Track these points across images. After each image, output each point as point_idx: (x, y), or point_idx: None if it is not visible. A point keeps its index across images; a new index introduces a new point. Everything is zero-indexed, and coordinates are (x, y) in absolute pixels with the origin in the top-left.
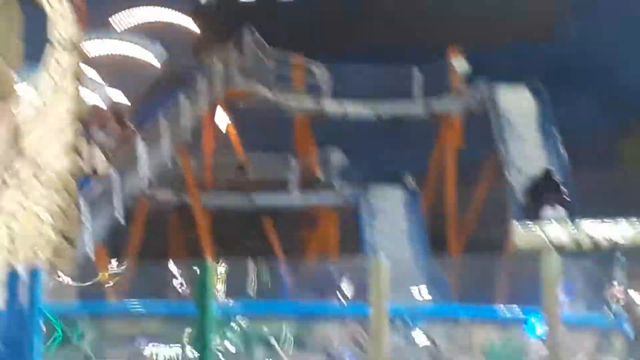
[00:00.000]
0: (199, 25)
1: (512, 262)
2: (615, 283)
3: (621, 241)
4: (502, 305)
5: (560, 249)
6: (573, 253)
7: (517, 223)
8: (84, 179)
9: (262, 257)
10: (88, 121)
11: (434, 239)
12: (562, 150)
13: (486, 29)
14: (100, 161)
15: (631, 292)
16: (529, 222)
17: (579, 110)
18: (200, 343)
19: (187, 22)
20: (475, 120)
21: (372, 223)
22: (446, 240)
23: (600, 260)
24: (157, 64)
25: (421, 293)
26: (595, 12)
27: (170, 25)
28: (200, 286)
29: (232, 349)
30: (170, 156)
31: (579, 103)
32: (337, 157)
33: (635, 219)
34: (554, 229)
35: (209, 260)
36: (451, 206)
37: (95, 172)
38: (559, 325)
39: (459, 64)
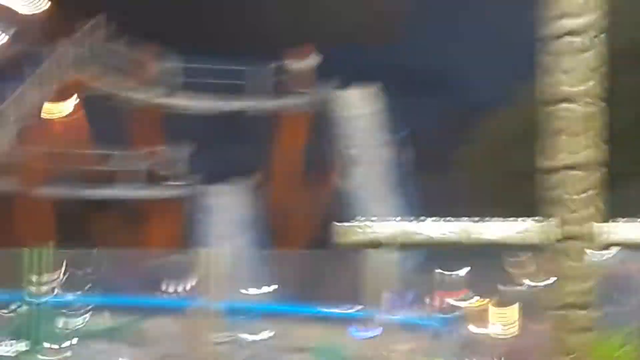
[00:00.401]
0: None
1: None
2: (438, 288)
3: (447, 237)
4: (330, 304)
5: (382, 246)
6: (399, 251)
7: (342, 221)
8: None
9: (94, 248)
10: None
11: (272, 235)
12: (403, 153)
13: (333, 29)
14: None
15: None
16: (356, 220)
17: (420, 115)
18: (31, 332)
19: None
20: (321, 119)
21: (209, 218)
22: (286, 236)
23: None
24: None
25: (253, 290)
26: (437, 17)
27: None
28: (30, 273)
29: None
30: (13, 141)
31: (420, 108)
32: (182, 151)
33: (467, 218)
34: (379, 226)
35: (43, 247)
36: (292, 203)
37: None
38: (381, 323)
39: (309, 61)
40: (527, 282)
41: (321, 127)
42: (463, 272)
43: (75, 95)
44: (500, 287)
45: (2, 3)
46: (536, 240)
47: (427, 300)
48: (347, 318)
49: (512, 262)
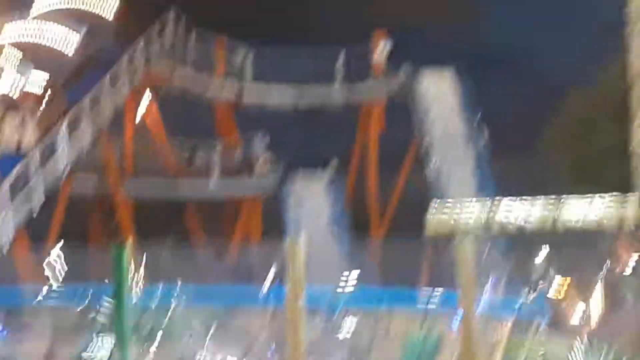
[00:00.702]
0: (121, 5)
1: (435, 246)
2: (539, 271)
3: (531, 220)
4: (424, 290)
5: (474, 231)
6: (491, 237)
7: (432, 206)
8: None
9: (185, 243)
10: (17, 100)
11: (357, 223)
12: (484, 135)
13: (409, 13)
14: (27, 136)
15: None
16: (445, 205)
17: (502, 95)
18: (118, 328)
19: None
20: (398, 105)
21: (295, 209)
22: (369, 224)
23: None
24: (72, 48)
25: (344, 278)
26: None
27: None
28: (116, 270)
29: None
30: (92, 141)
31: (502, 89)
32: (260, 143)
33: (550, 198)
34: (468, 211)
35: (126, 244)
36: (373, 190)
37: (19, 147)
38: (474, 309)
39: (383, 48)
40: (613, 262)
41: (400, 112)
42: (545, 253)
43: (151, 92)
44: (586, 268)
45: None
46: (617, 219)
47: (515, 283)
48: (438, 305)
49: (600, 243)
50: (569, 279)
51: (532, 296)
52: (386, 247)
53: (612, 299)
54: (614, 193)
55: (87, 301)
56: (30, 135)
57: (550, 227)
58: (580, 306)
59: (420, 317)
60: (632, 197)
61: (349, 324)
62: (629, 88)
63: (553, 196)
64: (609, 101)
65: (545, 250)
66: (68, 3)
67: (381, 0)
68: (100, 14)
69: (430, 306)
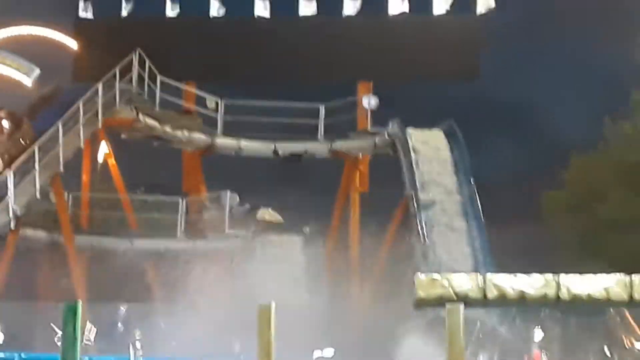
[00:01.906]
0: (79, 41)
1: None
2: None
3: (529, 291)
4: None
5: (465, 300)
6: (480, 305)
7: (421, 273)
8: None
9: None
10: None
11: (336, 288)
12: (477, 198)
13: (401, 67)
14: None
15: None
16: (434, 273)
17: (499, 155)
18: None
19: (65, 38)
20: (384, 163)
21: (266, 269)
22: (349, 290)
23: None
24: (29, 83)
25: (318, 347)
26: (518, 56)
27: (46, 41)
28: (67, 330)
29: None
30: (42, 189)
31: (498, 148)
32: (230, 198)
33: (550, 274)
34: (460, 279)
35: (78, 302)
36: (355, 252)
37: None
38: None
39: (369, 102)
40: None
41: (387, 170)
42: (542, 333)
43: (110, 139)
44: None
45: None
46: (624, 296)
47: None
48: None
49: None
50: None
51: None
52: (369, 317)
53: None
54: (618, 273)
55: None
56: None
57: (547, 305)
58: None
59: None
60: (637, 278)
61: None
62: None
63: (552, 272)
64: (616, 167)
65: (541, 330)
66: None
67: (371, 53)
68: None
69: None
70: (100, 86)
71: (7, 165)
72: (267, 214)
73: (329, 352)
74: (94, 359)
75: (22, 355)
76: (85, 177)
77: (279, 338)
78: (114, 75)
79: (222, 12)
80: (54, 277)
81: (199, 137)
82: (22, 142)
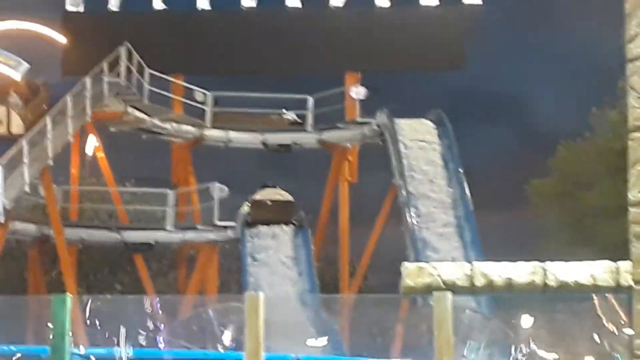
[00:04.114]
0: (67, 36)
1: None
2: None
3: (516, 279)
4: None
5: (453, 288)
6: (468, 293)
7: (409, 261)
8: None
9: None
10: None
11: (326, 278)
12: (466, 187)
13: (389, 58)
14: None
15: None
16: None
17: (487, 145)
18: None
19: (52, 32)
20: (373, 153)
21: (256, 260)
22: (339, 280)
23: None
24: (18, 77)
25: (309, 338)
26: (507, 46)
27: (34, 35)
28: (56, 322)
29: None
30: (32, 183)
31: (486, 138)
32: (219, 190)
33: (537, 261)
34: (447, 267)
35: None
36: (344, 243)
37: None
38: None
39: (357, 92)
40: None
41: (376, 161)
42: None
43: (99, 132)
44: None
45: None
46: (611, 283)
47: (499, 351)
48: None
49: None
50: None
51: None
52: (357, 306)
53: None
54: (605, 260)
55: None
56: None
57: (534, 292)
58: None
59: None
60: (623, 265)
61: None
62: (625, 140)
63: (538, 260)
64: (602, 155)
65: (528, 318)
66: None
67: (359, 43)
68: (48, 41)
69: None
70: (88, 80)
71: (28, 129)
72: (272, 193)
73: (322, 341)
74: (86, 351)
75: (13, 348)
76: (74, 171)
77: (270, 328)
78: (102, 69)
79: (208, 3)
80: (44, 270)
81: (188, 129)
82: (39, 108)
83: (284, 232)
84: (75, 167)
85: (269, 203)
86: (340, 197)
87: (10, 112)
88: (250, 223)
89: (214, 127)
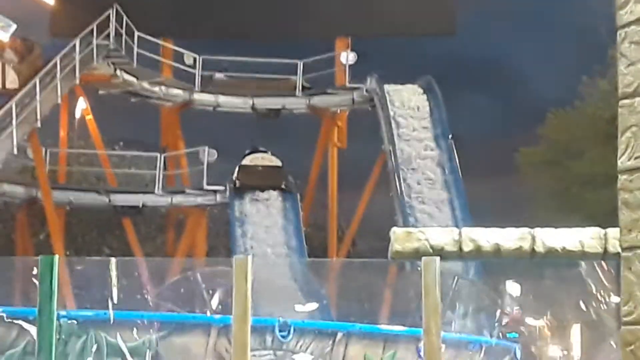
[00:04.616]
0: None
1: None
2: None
3: (504, 244)
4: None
5: (441, 253)
6: (456, 258)
7: (397, 227)
8: None
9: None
10: None
11: (314, 243)
12: (455, 153)
13: (379, 23)
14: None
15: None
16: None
17: (476, 112)
18: (43, 345)
19: None
20: (363, 119)
21: (244, 225)
22: (327, 245)
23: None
24: (6, 38)
25: (297, 303)
26: (497, 12)
27: None
28: (43, 284)
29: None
30: (20, 145)
31: (476, 105)
32: (208, 154)
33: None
34: (436, 233)
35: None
36: (333, 208)
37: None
38: (439, 336)
39: (347, 57)
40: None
41: (365, 126)
42: (517, 287)
43: (88, 95)
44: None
45: None
46: (599, 249)
47: (486, 316)
48: (399, 335)
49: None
50: (544, 317)
51: (501, 332)
52: (346, 271)
53: (592, 340)
54: (593, 227)
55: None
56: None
57: (523, 258)
58: (556, 347)
59: (381, 342)
60: (611, 231)
61: (303, 350)
62: (615, 108)
63: (527, 226)
64: (592, 124)
65: (517, 284)
66: None
67: (350, 8)
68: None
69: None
70: (77, 42)
71: (23, 85)
72: (261, 158)
73: (311, 306)
74: (71, 313)
75: (0, 309)
76: (62, 133)
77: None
78: (92, 31)
79: None
80: (32, 232)
81: (177, 92)
82: (34, 65)
83: (273, 197)
84: (63, 129)
85: (259, 168)
86: (330, 162)
87: (6, 67)
88: (239, 187)
89: (203, 91)
